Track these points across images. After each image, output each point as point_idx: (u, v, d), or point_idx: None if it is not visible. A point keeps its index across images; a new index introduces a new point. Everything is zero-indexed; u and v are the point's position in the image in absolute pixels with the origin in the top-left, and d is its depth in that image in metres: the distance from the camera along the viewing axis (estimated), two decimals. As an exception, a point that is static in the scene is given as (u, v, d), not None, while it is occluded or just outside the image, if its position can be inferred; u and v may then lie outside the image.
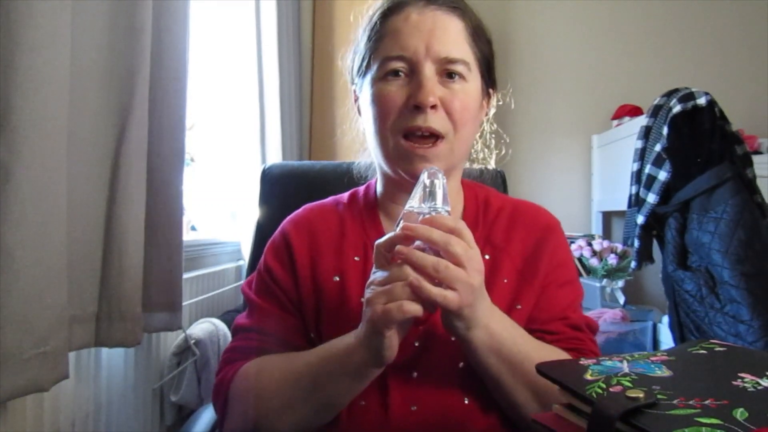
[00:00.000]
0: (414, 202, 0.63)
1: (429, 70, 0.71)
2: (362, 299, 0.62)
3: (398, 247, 0.58)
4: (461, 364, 0.71)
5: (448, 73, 0.73)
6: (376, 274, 0.61)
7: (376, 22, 0.76)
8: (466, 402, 0.70)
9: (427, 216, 0.60)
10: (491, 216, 0.81)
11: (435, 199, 0.62)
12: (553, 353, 0.70)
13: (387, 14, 0.76)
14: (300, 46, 2.39)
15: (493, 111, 0.86)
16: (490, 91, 0.82)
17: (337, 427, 0.70)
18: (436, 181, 0.63)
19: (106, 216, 0.89)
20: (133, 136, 0.91)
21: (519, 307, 0.75)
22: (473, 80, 0.75)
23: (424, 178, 0.63)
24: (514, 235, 0.79)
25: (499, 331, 0.65)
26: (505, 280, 0.76)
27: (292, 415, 0.69)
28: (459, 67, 0.73)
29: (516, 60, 2.83)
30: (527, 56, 2.83)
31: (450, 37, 0.73)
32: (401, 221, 0.61)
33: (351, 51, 0.83)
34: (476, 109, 0.77)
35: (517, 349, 0.65)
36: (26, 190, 0.67)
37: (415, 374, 0.71)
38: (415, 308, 0.57)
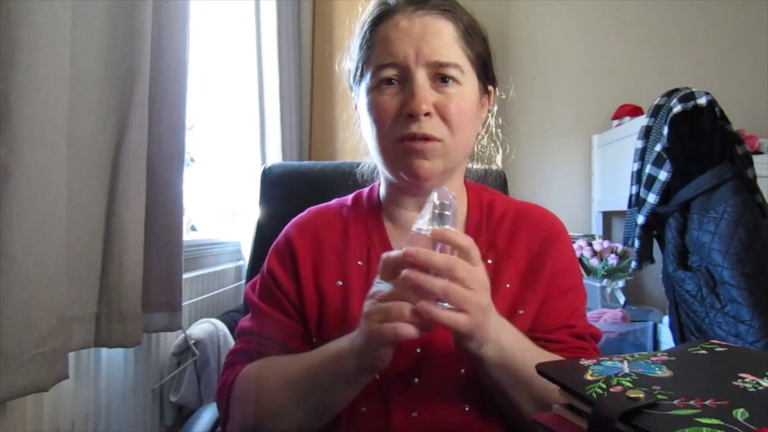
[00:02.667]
0: (422, 224, 0.61)
1: (421, 77, 0.71)
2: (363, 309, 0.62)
3: (405, 271, 0.57)
4: (462, 371, 0.71)
5: (441, 77, 0.72)
6: (379, 287, 0.61)
7: (366, 31, 0.76)
8: (467, 409, 0.70)
9: (437, 231, 0.59)
10: (495, 221, 0.81)
11: (444, 222, 0.60)
12: None
13: (376, 22, 0.76)
14: (300, 46, 2.39)
15: (496, 107, 0.85)
16: (490, 88, 0.82)
17: None
18: (446, 203, 0.61)
19: (106, 216, 0.89)
20: (133, 136, 0.91)
21: (521, 312, 0.74)
22: (468, 83, 0.75)
23: (434, 198, 0.61)
24: (518, 239, 0.78)
25: (509, 346, 0.64)
26: (508, 285, 0.75)
27: (287, 419, 0.69)
28: (452, 71, 0.72)
29: (516, 60, 2.82)
30: (527, 56, 2.83)
31: (440, 40, 0.72)
32: (408, 243, 0.59)
33: (347, 57, 0.82)
34: (473, 111, 0.77)
35: (524, 363, 0.64)
36: (26, 190, 0.67)
37: (416, 380, 0.71)
38: (410, 331, 0.57)
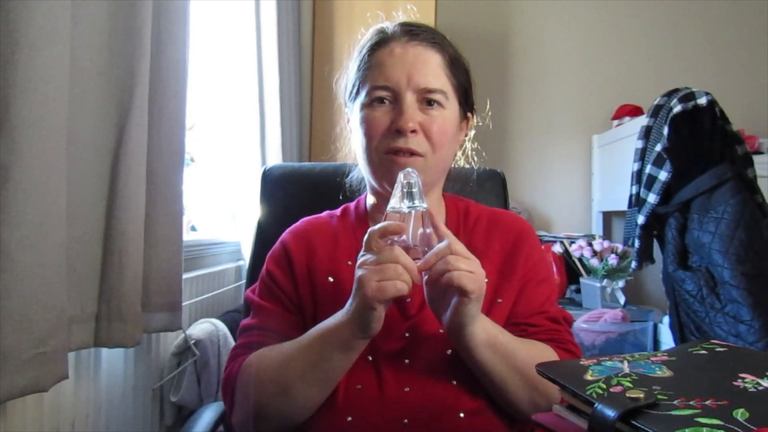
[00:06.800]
0: (394, 202, 0.71)
1: (410, 99, 0.81)
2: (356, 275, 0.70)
3: (450, 257, 0.68)
4: (448, 352, 0.79)
5: (427, 101, 0.82)
6: (366, 257, 0.69)
7: (364, 55, 0.86)
8: (455, 383, 0.77)
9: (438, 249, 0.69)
10: (471, 223, 0.90)
11: (413, 198, 0.71)
12: (533, 346, 0.80)
13: (374, 48, 0.85)
14: (300, 46, 2.39)
15: (473, 132, 0.96)
16: (468, 114, 0.91)
17: (335, 409, 0.76)
18: (412, 182, 0.72)
19: (105, 216, 0.89)
20: (133, 136, 0.91)
21: (500, 300, 0.83)
22: (450, 107, 0.84)
23: (401, 179, 0.72)
24: (493, 239, 0.88)
25: (491, 328, 0.75)
26: (487, 279, 0.83)
27: (293, 396, 0.75)
28: (437, 96, 0.82)
29: (516, 60, 2.83)
30: (527, 56, 2.83)
31: (429, 69, 0.82)
32: (384, 220, 0.71)
33: (343, 77, 0.92)
34: (453, 132, 0.86)
35: (506, 340, 0.75)
36: (26, 190, 0.68)
37: (407, 361, 0.79)
38: (405, 287, 0.66)
